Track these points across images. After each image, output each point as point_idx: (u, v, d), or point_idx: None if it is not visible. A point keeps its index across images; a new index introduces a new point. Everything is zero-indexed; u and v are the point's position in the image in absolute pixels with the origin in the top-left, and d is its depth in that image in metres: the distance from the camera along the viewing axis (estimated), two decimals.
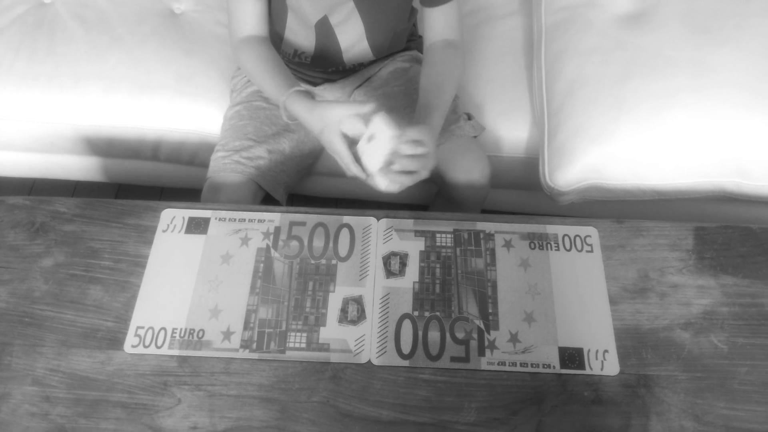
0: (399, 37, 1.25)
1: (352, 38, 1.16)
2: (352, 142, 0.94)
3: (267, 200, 1.19)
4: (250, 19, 1.11)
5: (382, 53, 1.24)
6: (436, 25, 1.13)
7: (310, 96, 1.04)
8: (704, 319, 0.88)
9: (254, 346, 0.85)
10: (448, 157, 1.16)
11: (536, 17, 1.35)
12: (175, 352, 0.85)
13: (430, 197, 1.49)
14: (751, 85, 1.12)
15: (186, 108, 1.34)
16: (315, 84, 1.28)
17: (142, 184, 1.62)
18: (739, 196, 1.19)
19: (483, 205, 1.27)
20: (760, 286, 0.91)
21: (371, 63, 1.27)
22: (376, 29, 1.15)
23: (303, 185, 1.46)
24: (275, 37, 1.19)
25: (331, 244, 0.94)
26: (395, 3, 1.13)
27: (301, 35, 1.16)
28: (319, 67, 1.24)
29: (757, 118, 1.11)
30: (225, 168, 1.15)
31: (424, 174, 0.95)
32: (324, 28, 1.13)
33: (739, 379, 0.83)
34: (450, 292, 0.90)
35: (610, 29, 1.23)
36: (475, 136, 1.21)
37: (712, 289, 0.91)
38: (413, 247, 0.94)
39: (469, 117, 1.23)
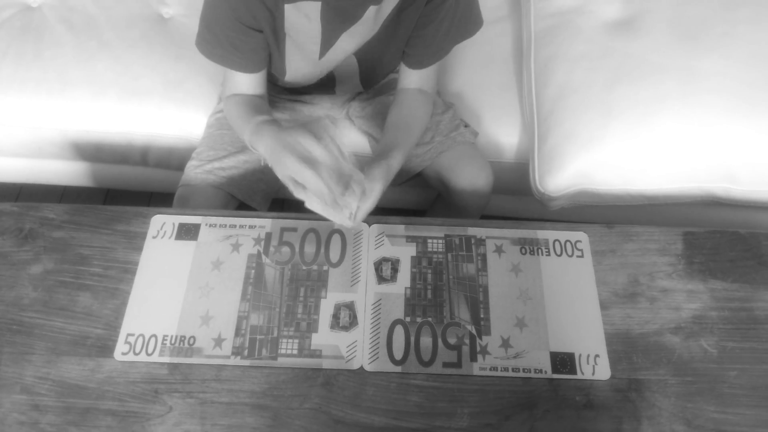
0: (388, 74, 1.26)
1: (347, 77, 1.17)
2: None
3: (245, 208, 1.18)
4: (244, 87, 1.08)
5: (370, 87, 1.26)
6: (411, 77, 1.13)
7: (278, 124, 0.98)
8: (694, 324, 0.88)
9: (246, 352, 0.85)
10: (452, 164, 1.17)
11: (525, 23, 1.36)
12: (166, 359, 0.84)
13: (428, 202, 1.49)
14: (739, 92, 1.13)
15: (175, 113, 1.33)
16: (303, 94, 1.28)
17: (131, 190, 1.61)
18: (727, 201, 1.20)
19: (484, 210, 1.27)
20: (749, 291, 0.91)
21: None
22: (369, 73, 1.17)
23: None
24: (270, 77, 1.18)
25: (322, 250, 0.94)
26: (391, 57, 1.13)
27: (298, 85, 1.18)
28: (312, 91, 1.24)
29: (744, 123, 1.12)
30: (196, 178, 1.14)
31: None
32: (324, 77, 1.14)
33: (729, 382, 0.84)
34: (442, 297, 0.90)
35: (599, 36, 1.24)
36: (472, 143, 1.22)
37: (702, 293, 0.91)
38: (405, 253, 0.94)
39: (466, 124, 1.24)
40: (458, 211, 1.23)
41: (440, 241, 0.96)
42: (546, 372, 0.84)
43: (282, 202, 1.54)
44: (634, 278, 0.92)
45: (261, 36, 1.01)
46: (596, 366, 0.85)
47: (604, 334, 0.87)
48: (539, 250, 0.95)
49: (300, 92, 1.26)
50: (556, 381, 0.84)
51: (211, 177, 1.14)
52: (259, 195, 1.20)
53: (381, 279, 0.92)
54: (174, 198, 1.15)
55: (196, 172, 1.15)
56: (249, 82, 1.08)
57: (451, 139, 1.18)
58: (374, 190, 0.91)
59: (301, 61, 1.09)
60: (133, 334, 0.86)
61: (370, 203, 0.91)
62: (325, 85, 1.20)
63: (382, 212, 0.97)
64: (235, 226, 0.96)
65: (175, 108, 1.33)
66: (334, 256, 0.94)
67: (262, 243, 0.94)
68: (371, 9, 0.97)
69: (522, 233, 0.96)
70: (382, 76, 1.23)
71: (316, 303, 0.89)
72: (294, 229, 0.96)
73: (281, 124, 0.96)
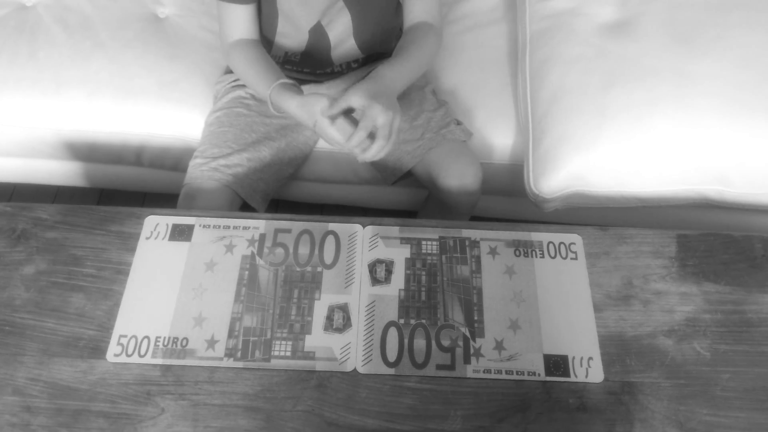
0: (387, 36, 1.25)
1: (341, 35, 1.16)
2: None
3: (247, 208, 1.19)
4: (241, 24, 1.12)
5: (368, 50, 1.24)
6: (415, 9, 1.16)
7: (297, 89, 1.06)
8: (687, 326, 0.89)
9: (239, 354, 0.85)
10: (441, 161, 1.16)
11: (521, 25, 1.36)
12: (159, 360, 0.84)
13: (419, 203, 1.49)
14: (732, 95, 1.13)
15: (169, 113, 1.33)
16: (302, 84, 1.28)
17: (125, 190, 1.61)
18: (720, 203, 1.20)
19: (474, 210, 1.27)
20: (741, 293, 0.92)
21: (360, 66, 1.27)
22: (363, 25, 1.16)
23: (288, 191, 1.46)
24: (265, 42, 1.19)
25: (316, 252, 0.94)
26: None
27: (292, 38, 1.17)
28: (307, 66, 1.24)
29: (737, 127, 1.12)
30: (202, 175, 1.14)
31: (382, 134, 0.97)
32: (317, 31, 1.14)
33: (722, 385, 0.84)
34: (436, 299, 0.90)
35: (594, 38, 1.24)
36: (464, 141, 1.22)
37: (695, 296, 0.91)
38: (399, 255, 0.94)
39: (458, 123, 1.24)
40: (448, 209, 1.22)
41: (434, 242, 0.96)
42: (539, 374, 0.84)
43: (276, 203, 1.55)
44: (628, 281, 0.92)
45: None
46: (589, 368, 0.85)
47: (598, 336, 0.87)
48: (533, 252, 0.95)
49: (297, 70, 1.26)
50: (550, 383, 0.84)
51: (218, 174, 1.14)
52: (259, 195, 1.20)
53: (375, 281, 0.92)
54: (179, 196, 1.15)
55: (201, 169, 1.15)
56: (243, 20, 1.11)
57: (441, 135, 1.18)
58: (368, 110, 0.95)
59: (294, 1, 1.09)
60: (125, 336, 0.85)
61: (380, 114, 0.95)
62: (321, 50, 1.19)
63: (375, 213, 0.97)
64: (228, 227, 0.96)
65: (171, 108, 1.33)
66: (328, 257, 0.94)
67: (256, 244, 0.94)
68: None
69: (516, 235, 0.96)
70: (377, 28, 1.21)
71: (310, 305, 0.89)
72: (288, 231, 0.96)
73: (299, 89, 1.08)
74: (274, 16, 1.12)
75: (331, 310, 0.89)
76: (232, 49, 1.14)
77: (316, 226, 0.96)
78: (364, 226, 0.97)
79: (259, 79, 1.11)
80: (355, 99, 0.95)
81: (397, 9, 1.23)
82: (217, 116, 1.24)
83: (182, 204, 1.13)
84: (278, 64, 1.23)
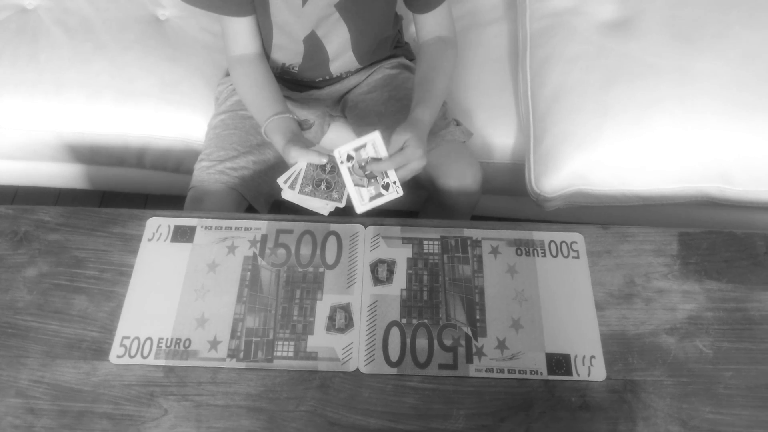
0: (384, 45, 1.25)
1: (339, 47, 1.16)
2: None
3: (250, 210, 1.19)
4: (242, 37, 1.12)
5: (366, 61, 1.25)
6: (426, 25, 1.15)
7: (289, 124, 1.06)
8: (689, 324, 0.89)
9: (241, 355, 0.85)
10: (440, 162, 1.16)
11: (521, 24, 1.36)
12: (162, 362, 0.84)
13: (420, 203, 1.49)
14: (732, 93, 1.13)
15: (171, 115, 1.33)
16: (301, 91, 1.28)
17: (127, 191, 1.61)
18: (722, 201, 1.20)
19: (474, 210, 1.27)
20: (743, 291, 0.92)
21: (358, 71, 1.27)
22: (360, 37, 1.16)
23: None
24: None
25: (318, 252, 0.94)
26: (378, 10, 1.14)
27: (289, 50, 1.17)
28: (306, 77, 1.24)
29: (739, 124, 1.12)
30: (209, 178, 1.14)
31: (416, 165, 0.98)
32: (312, 41, 1.14)
33: (725, 383, 0.84)
34: (437, 299, 0.90)
35: (595, 36, 1.24)
36: (464, 141, 1.22)
37: (697, 294, 0.91)
38: (401, 254, 0.94)
39: (458, 123, 1.24)
40: (448, 210, 1.22)
41: (436, 242, 0.96)
42: (542, 373, 0.84)
43: (278, 204, 1.55)
44: (630, 279, 0.92)
45: None
46: (592, 367, 0.85)
47: (600, 335, 0.87)
48: (535, 251, 0.95)
49: (296, 81, 1.26)
50: (552, 382, 0.84)
51: (225, 177, 1.14)
52: (263, 197, 1.20)
53: (377, 281, 0.92)
54: (186, 199, 1.15)
55: (208, 172, 1.15)
56: (244, 32, 1.11)
57: (440, 137, 1.18)
58: (408, 142, 0.95)
59: (286, 13, 1.09)
60: (128, 337, 0.86)
61: (414, 152, 0.96)
62: (319, 63, 1.19)
63: (377, 214, 0.97)
64: (230, 228, 0.96)
65: (172, 110, 1.33)
66: (330, 257, 0.94)
67: (258, 245, 0.94)
68: None
69: (518, 234, 0.96)
70: (375, 40, 1.21)
71: (312, 305, 0.89)
72: (290, 231, 0.96)
73: (293, 117, 1.08)
74: (269, 28, 1.12)
75: (333, 310, 0.89)
76: (236, 64, 1.14)
77: (318, 227, 0.97)
78: (365, 227, 0.97)
79: (257, 108, 1.11)
80: (408, 137, 0.96)
81: (395, 20, 1.23)
82: (221, 119, 1.24)
83: (189, 206, 1.12)
84: (277, 74, 1.23)
